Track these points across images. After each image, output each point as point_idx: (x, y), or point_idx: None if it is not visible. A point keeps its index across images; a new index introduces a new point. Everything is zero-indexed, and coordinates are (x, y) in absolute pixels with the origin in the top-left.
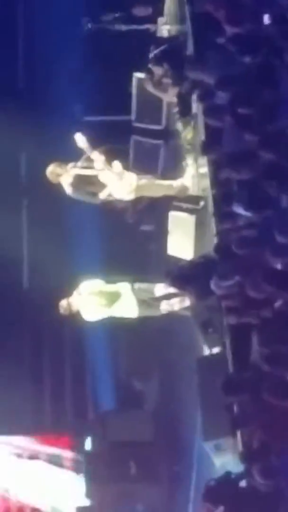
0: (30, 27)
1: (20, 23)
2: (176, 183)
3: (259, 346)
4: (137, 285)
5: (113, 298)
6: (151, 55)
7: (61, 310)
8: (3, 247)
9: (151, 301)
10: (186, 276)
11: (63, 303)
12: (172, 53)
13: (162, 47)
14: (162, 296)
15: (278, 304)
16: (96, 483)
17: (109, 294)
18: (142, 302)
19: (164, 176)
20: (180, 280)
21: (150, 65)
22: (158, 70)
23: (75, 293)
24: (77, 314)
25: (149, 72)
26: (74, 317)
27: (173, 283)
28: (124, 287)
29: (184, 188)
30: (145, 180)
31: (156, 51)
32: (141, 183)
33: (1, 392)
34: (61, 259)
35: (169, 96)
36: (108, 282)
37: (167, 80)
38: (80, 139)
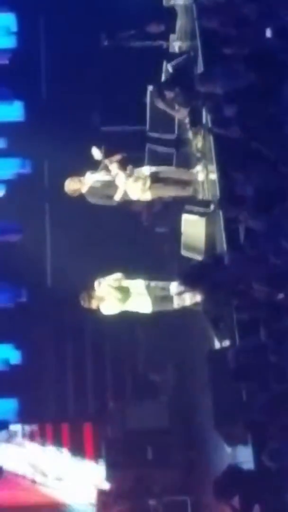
0: (52, 43)
1: (42, 39)
2: (188, 172)
3: (266, 339)
4: (152, 283)
5: (129, 293)
6: (163, 78)
7: (81, 301)
8: (29, 249)
9: (164, 298)
10: (196, 276)
11: (83, 294)
12: (182, 75)
13: (173, 65)
14: (175, 293)
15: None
16: (115, 468)
17: (126, 289)
18: (156, 299)
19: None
20: (191, 279)
21: (162, 88)
22: (170, 94)
23: (94, 285)
24: (96, 307)
25: (160, 92)
26: (93, 309)
27: (185, 282)
28: (139, 284)
29: (195, 179)
30: (158, 169)
31: (167, 77)
32: (155, 182)
33: (25, 383)
34: (81, 259)
35: (180, 115)
36: (125, 277)
37: (178, 102)
38: (95, 152)
